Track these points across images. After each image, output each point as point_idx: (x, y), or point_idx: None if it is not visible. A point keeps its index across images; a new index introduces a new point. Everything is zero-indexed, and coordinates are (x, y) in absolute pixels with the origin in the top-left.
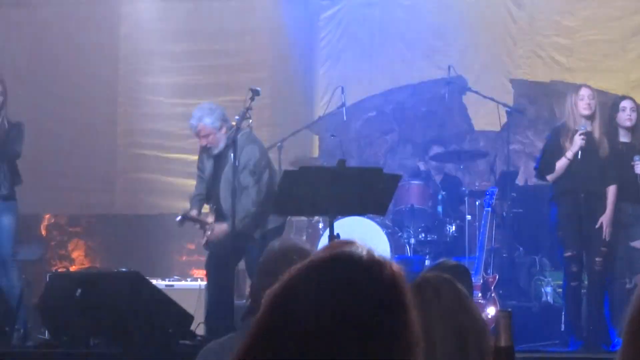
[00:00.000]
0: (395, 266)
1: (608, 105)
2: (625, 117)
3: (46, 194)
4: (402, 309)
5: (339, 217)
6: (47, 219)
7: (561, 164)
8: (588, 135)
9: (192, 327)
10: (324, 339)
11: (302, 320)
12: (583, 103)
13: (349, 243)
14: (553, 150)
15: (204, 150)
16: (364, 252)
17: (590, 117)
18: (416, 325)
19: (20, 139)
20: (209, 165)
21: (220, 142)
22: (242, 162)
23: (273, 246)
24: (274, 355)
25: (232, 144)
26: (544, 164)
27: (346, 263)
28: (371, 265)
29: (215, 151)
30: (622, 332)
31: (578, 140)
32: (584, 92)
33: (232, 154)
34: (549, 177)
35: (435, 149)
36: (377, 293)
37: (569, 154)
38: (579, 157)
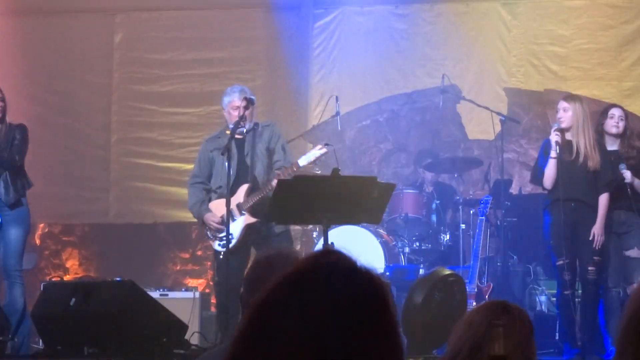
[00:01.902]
0: (378, 275)
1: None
2: (613, 124)
3: (40, 202)
4: (384, 319)
5: (334, 226)
6: (41, 228)
7: (549, 164)
8: (576, 146)
9: (187, 337)
10: (306, 349)
11: (282, 331)
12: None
13: (332, 251)
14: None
15: (211, 147)
16: (346, 261)
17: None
18: (398, 337)
19: (24, 145)
20: (219, 160)
21: (249, 121)
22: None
23: (260, 255)
24: None
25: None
26: (535, 172)
27: (327, 271)
28: (353, 273)
29: (244, 128)
30: (616, 341)
31: (554, 137)
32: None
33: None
34: (544, 182)
35: (430, 158)
36: (359, 302)
37: (553, 153)
38: (564, 159)
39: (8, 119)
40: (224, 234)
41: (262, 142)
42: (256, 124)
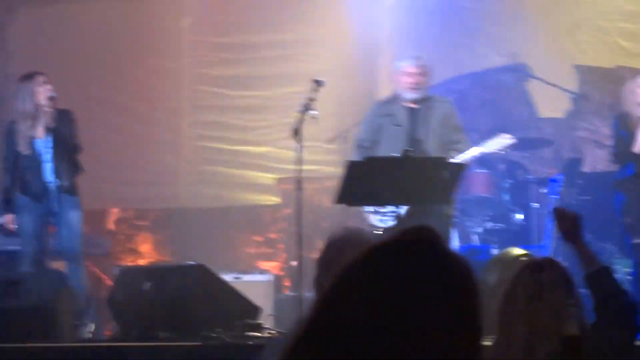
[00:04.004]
0: (459, 253)
1: None
2: None
3: (112, 188)
4: (467, 298)
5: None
6: (114, 213)
7: None
8: None
9: (261, 320)
10: (383, 328)
11: (359, 309)
12: None
13: (419, 228)
14: (622, 137)
15: (381, 112)
16: (426, 239)
17: None
18: (480, 318)
19: (74, 128)
20: (389, 128)
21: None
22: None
23: (332, 237)
24: (326, 349)
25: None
26: (620, 147)
27: (407, 249)
28: (434, 251)
29: (417, 95)
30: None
31: None
32: None
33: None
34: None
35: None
36: (443, 281)
37: None
38: None
39: (75, 106)
40: (387, 209)
41: (436, 117)
42: (430, 97)
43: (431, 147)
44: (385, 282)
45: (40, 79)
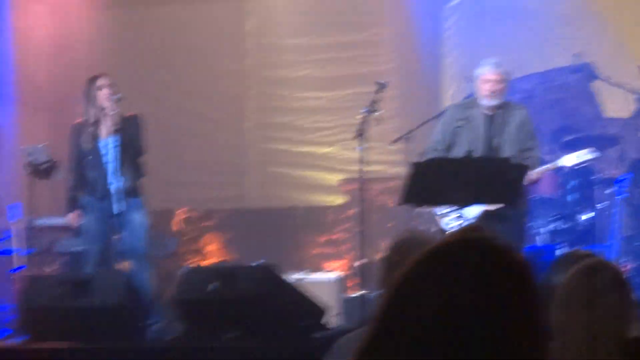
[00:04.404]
0: (521, 255)
1: None
2: None
3: (178, 189)
4: (530, 300)
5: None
6: (179, 214)
7: None
8: None
9: (325, 320)
10: (446, 329)
11: (422, 310)
12: None
13: (479, 228)
14: None
15: (458, 116)
16: (490, 239)
17: None
18: (543, 320)
19: (139, 133)
20: (465, 133)
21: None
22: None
23: (396, 238)
24: (392, 350)
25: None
26: None
27: (470, 249)
28: (498, 251)
29: (495, 102)
30: None
31: None
32: None
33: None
34: None
35: (566, 137)
36: (504, 281)
37: None
38: None
39: (139, 109)
40: (456, 214)
41: (512, 124)
42: (507, 104)
43: (507, 155)
44: (445, 282)
45: (106, 81)
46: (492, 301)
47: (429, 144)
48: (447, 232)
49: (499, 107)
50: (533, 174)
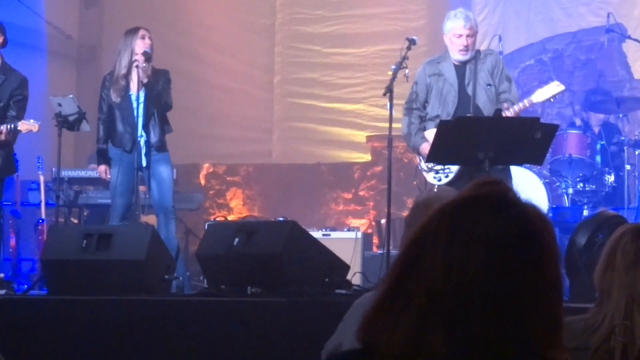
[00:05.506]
0: (539, 210)
1: None
2: None
3: (204, 143)
4: (542, 254)
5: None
6: (205, 168)
7: None
8: None
9: (349, 277)
10: (456, 288)
11: (436, 266)
12: None
13: (497, 181)
14: None
15: (429, 71)
16: (513, 192)
17: None
18: (558, 272)
19: (169, 88)
20: (438, 86)
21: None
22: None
23: (419, 198)
24: (405, 304)
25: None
26: None
27: (482, 203)
28: (510, 205)
29: (469, 56)
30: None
31: None
32: None
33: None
34: None
35: (595, 98)
36: (515, 234)
37: None
38: None
39: (166, 63)
40: (440, 166)
41: (484, 70)
42: (478, 52)
43: (483, 102)
44: (462, 237)
45: (142, 33)
46: (508, 255)
47: (405, 103)
48: (435, 186)
49: (469, 59)
50: (508, 113)
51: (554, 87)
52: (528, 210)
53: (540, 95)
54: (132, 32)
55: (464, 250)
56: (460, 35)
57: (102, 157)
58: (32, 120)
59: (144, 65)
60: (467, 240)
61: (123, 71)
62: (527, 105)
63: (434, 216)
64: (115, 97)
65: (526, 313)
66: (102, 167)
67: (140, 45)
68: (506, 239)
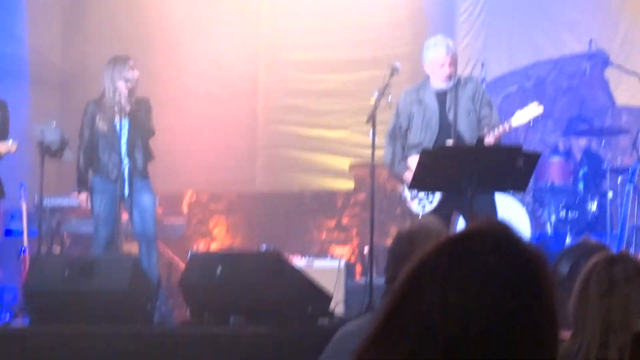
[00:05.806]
0: (535, 246)
1: None
2: None
3: (187, 171)
4: (541, 293)
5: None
6: (188, 196)
7: None
8: None
9: (331, 306)
10: (451, 325)
11: (429, 306)
12: None
13: (497, 221)
14: None
15: (410, 100)
16: (512, 232)
17: None
18: (555, 310)
19: (150, 116)
20: (419, 114)
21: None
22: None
23: (403, 229)
24: (396, 346)
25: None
26: None
27: (481, 242)
28: (509, 243)
29: (448, 85)
30: None
31: None
32: None
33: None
34: None
35: (577, 125)
36: (514, 273)
37: None
38: None
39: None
40: (424, 194)
41: (465, 97)
42: (458, 79)
43: (464, 129)
44: (460, 274)
45: (126, 63)
46: (506, 294)
47: (387, 132)
48: (417, 216)
49: (451, 87)
50: (490, 138)
51: (534, 109)
52: (527, 249)
53: (520, 117)
54: (120, 61)
55: (462, 287)
56: (443, 65)
57: (83, 185)
58: (10, 141)
59: (128, 94)
60: (465, 276)
61: (109, 100)
62: (507, 129)
63: (432, 251)
64: (102, 125)
65: (522, 350)
66: (83, 196)
67: (127, 76)
68: (505, 276)
